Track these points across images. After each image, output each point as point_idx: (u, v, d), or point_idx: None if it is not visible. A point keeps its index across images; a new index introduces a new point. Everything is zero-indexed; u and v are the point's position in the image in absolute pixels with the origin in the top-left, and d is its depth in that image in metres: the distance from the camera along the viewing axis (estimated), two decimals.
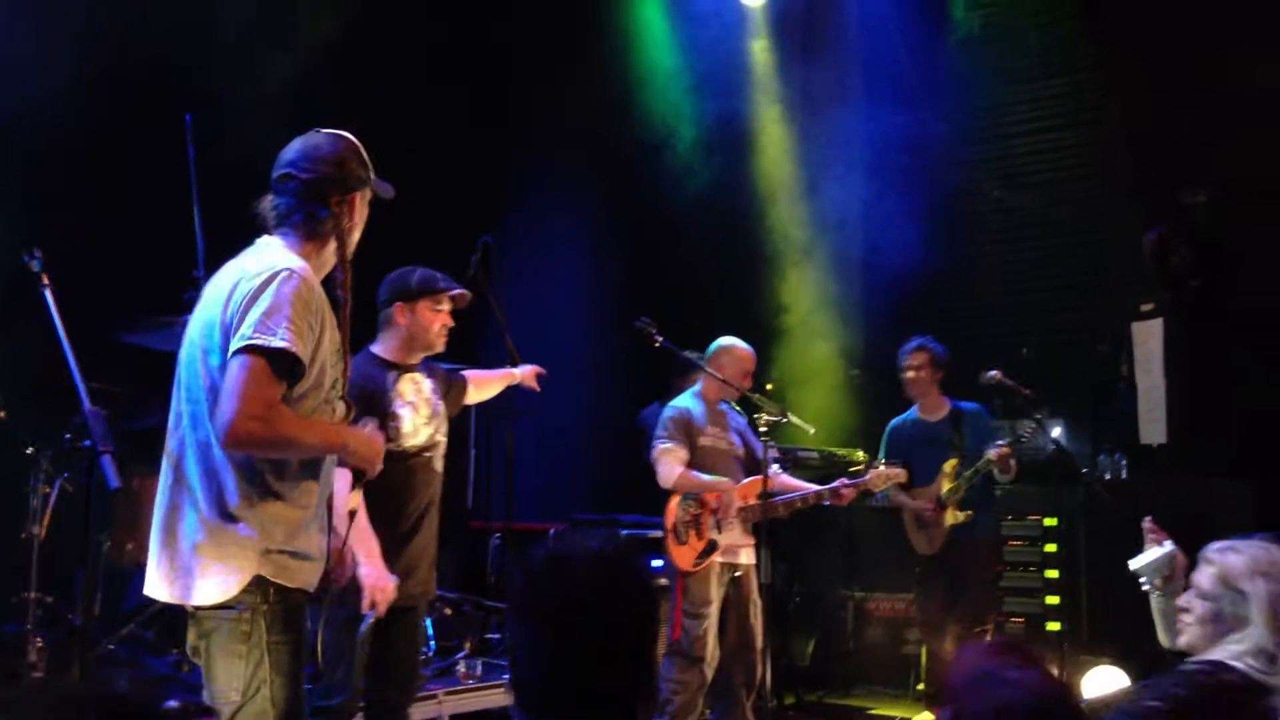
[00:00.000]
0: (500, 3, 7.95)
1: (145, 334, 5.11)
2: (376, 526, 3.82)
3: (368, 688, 3.95)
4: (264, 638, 2.78)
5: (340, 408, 2.98)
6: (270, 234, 2.98)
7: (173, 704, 4.30)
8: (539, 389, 4.70)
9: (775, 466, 5.49)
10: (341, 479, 3.47)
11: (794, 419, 5.26)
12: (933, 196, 7.77)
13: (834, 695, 7.10)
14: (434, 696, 4.56)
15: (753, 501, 5.28)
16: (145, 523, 5.01)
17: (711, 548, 5.19)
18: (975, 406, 6.30)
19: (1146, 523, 3.41)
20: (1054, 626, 6.52)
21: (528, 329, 6.24)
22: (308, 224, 2.95)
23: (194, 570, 2.76)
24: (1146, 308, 6.51)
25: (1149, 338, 6.46)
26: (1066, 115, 7.79)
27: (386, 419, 3.94)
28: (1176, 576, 3.21)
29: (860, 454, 6.81)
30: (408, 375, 4.10)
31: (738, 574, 5.32)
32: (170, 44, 6.09)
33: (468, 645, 5.09)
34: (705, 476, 5.28)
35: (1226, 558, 2.77)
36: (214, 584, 2.76)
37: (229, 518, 2.76)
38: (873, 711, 6.75)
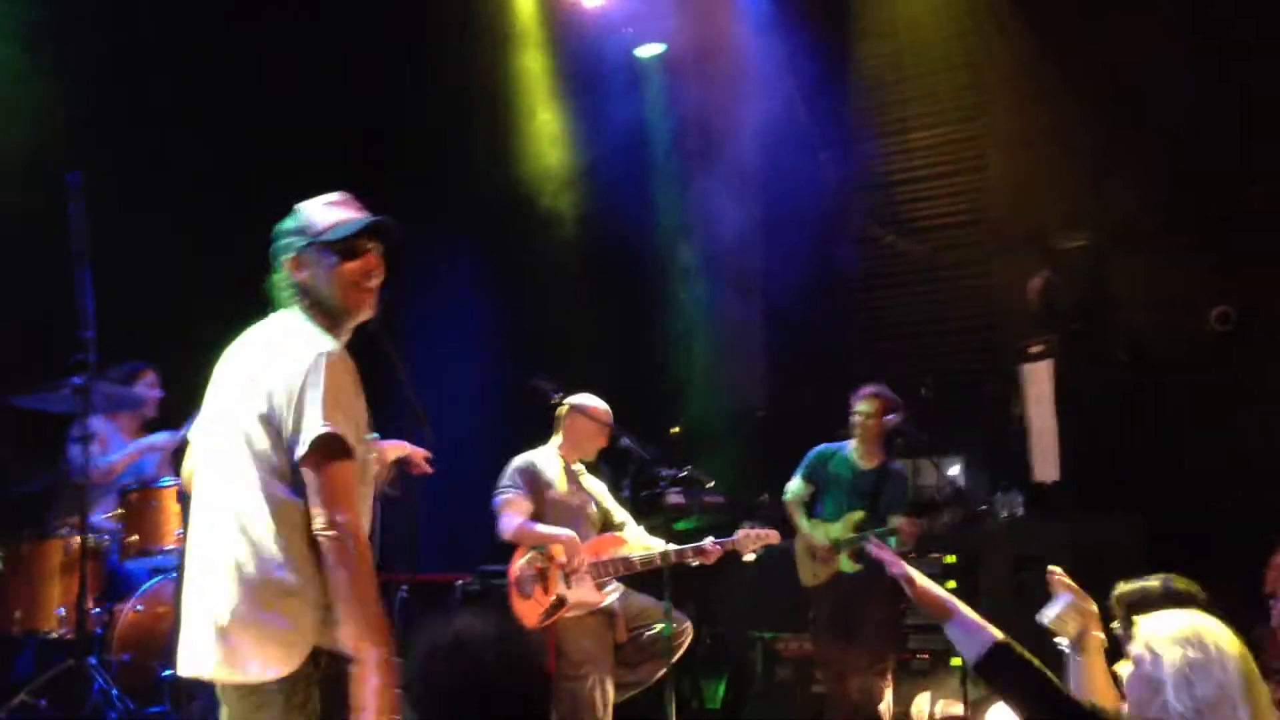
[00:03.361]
0: (375, 55, 7.89)
1: (38, 397, 4.98)
2: None
3: None
4: (317, 707, 2.74)
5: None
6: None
7: None
8: (430, 471, 4.64)
9: (636, 528, 5.47)
10: None
11: (693, 472, 5.25)
12: (829, 242, 7.94)
13: None
14: None
15: (605, 557, 5.23)
16: (34, 589, 4.93)
17: (559, 604, 5.08)
18: (900, 468, 6.38)
19: (1053, 573, 3.32)
20: (957, 662, 6.62)
21: (429, 383, 6.20)
22: (285, 294, 2.95)
23: (249, 643, 2.71)
24: (1035, 349, 6.70)
25: (1039, 378, 6.65)
26: (952, 163, 8.03)
27: None
28: (1088, 626, 3.18)
29: (765, 497, 6.87)
30: None
31: (612, 616, 5.25)
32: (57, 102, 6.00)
33: None
34: (546, 528, 5.20)
35: (1150, 624, 2.81)
36: (276, 658, 2.71)
37: (284, 589, 2.72)
38: None
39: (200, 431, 2.98)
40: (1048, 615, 3.20)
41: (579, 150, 8.02)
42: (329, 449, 2.69)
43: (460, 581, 6.36)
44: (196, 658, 2.81)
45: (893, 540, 6.09)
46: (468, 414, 7.28)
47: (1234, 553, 5.18)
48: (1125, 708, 2.88)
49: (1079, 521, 6.33)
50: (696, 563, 5.33)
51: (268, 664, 2.72)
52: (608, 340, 7.82)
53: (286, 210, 3.01)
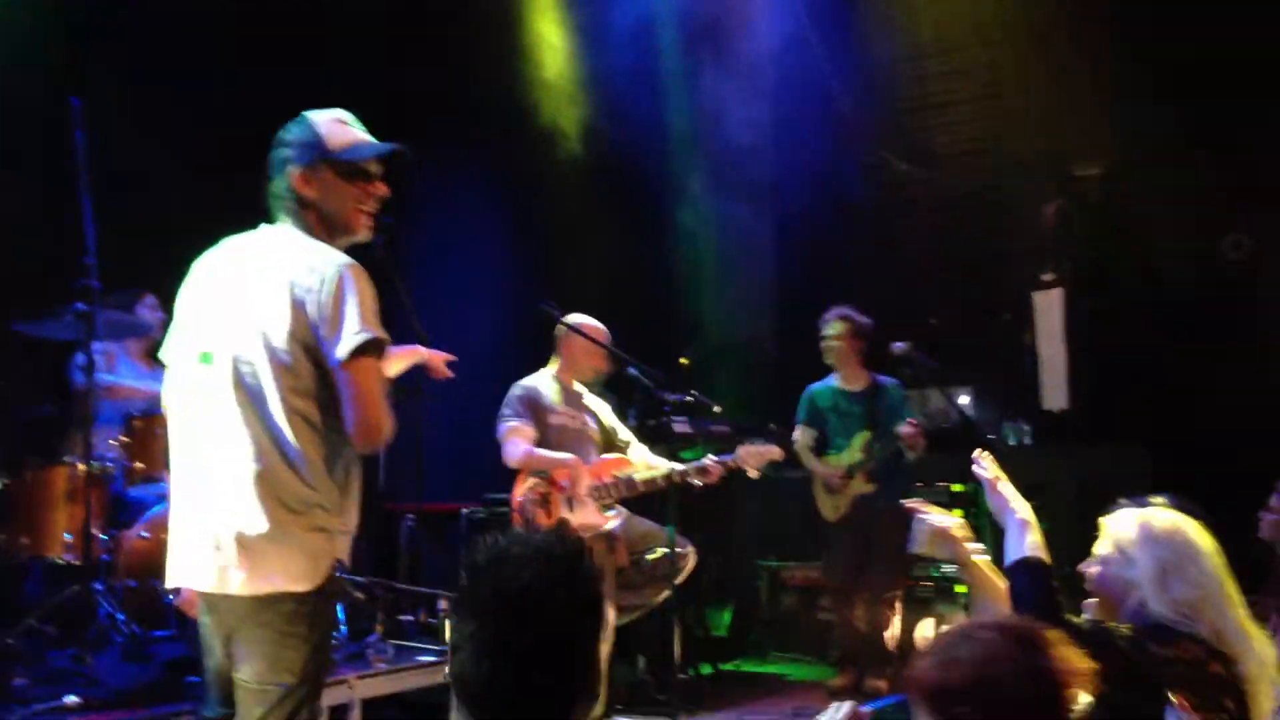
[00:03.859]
0: None
1: (39, 324, 4.97)
2: None
3: None
4: (322, 620, 2.81)
5: None
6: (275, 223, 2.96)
7: (73, 699, 4.21)
8: (451, 375, 4.61)
9: (640, 448, 5.45)
10: None
11: (699, 396, 5.22)
12: (841, 172, 7.84)
13: (751, 664, 7.20)
14: (345, 681, 4.51)
15: (607, 480, 5.23)
16: (41, 516, 4.96)
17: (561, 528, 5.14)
18: (892, 381, 6.39)
19: (909, 505, 3.23)
20: (961, 589, 6.65)
21: (435, 310, 6.16)
22: (278, 209, 2.94)
23: (284, 560, 2.71)
24: (1047, 278, 6.65)
25: (1050, 307, 6.61)
26: (967, 90, 7.90)
27: None
28: (957, 542, 3.08)
29: (772, 426, 6.86)
30: None
31: (613, 540, 5.25)
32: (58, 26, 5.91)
33: (379, 629, 5.03)
34: (551, 454, 5.20)
35: (1119, 523, 2.79)
36: (303, 571, 2.72)
37: (309, 500, 2.74)
38: (789, 678, 6.84)
39: (187, 350, 2.91)
40: (913, 545, 3.15)
41: (585, 66, 7.87)
42: (367, 354, 2.72)
43: (466, 510, 6.39)
44: (209, 578, 2.78)
45: (904, 449, 6.08)
46: (473, 341, 7.24)
47: (1239, 484, 5.15)
48: (1086, 613, 2.86)
49: (1086, 450, 6.32)
50: (699, 482, 5.29)
51: (294, 576, 2.72)
52: (616, 269, 7.76)
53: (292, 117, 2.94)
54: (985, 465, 3.15)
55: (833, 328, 6.27)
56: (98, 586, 4.68)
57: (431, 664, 4.91)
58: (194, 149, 6.23)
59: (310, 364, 2.75)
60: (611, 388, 6.29)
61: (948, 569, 6.89)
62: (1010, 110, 7.60)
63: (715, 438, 6.56)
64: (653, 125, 7.98)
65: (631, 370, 5.53)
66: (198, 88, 6.38)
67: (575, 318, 5.41)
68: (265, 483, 2.72)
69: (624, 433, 5.58)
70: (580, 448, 5.30)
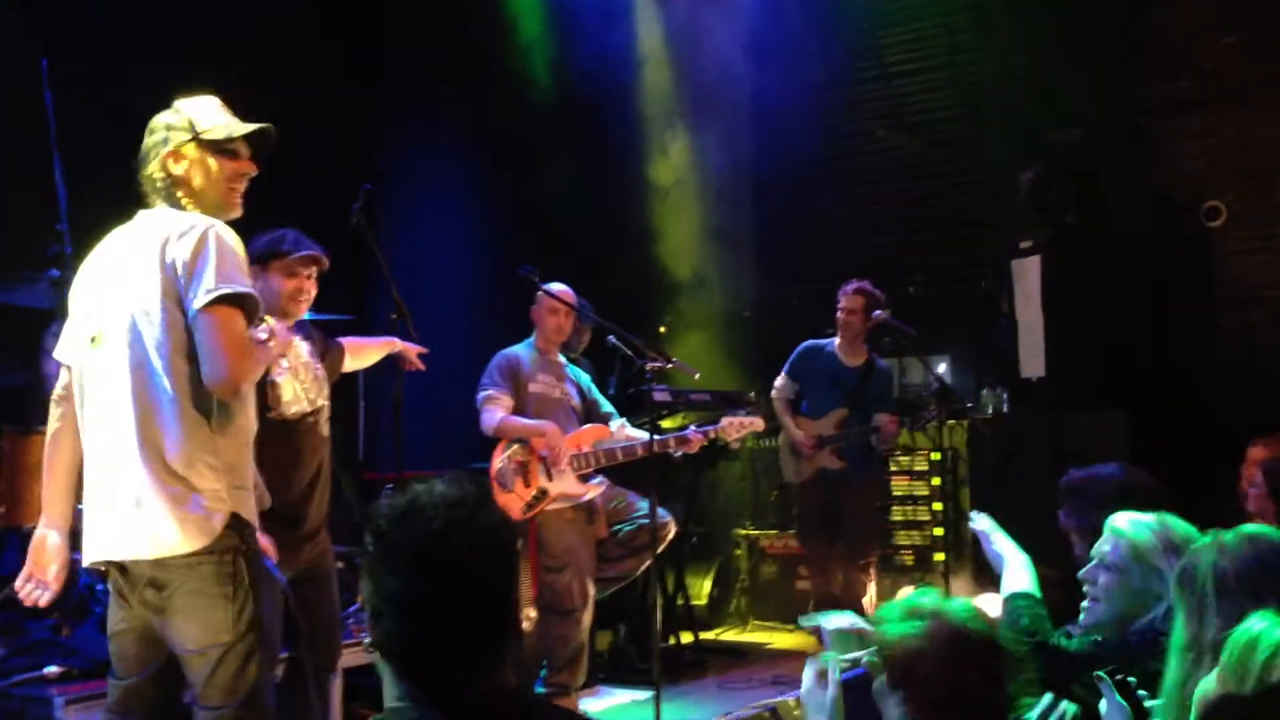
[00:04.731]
0: None
1: (10, 290, 4.90)
2: (270, 495, 3.74)
3: (290, 652, 3.88)
4: (245, 576, 2.88)
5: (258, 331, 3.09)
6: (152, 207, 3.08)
7: (53, 669, 4.19)
8: (421, 368, 4.59)
9: (620, 420, 5.45)
10: None
11: (678, 362, 5.19)
12: (817, 138, 7.82)
13: (732, 632, 7.24)
14: None
15: (587, 449, 5.22)
16: (17, 485, 4.90)
17: (541, 496, 5.10)
18: (886, 366, 6.42)
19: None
20: (940, 557, 6.71)
21: (414, 277, 6.14)
22: (155, 192, 3.06)
23: (166, 519, 2.81)
24: (1025, 245, 6.66)
25: (1028, 274, 6.61)
26: (942, 56, 7.87)
27: (263, 386, 3.83)
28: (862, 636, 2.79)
29: (751, 394, 6.87)
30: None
31: (592, 512, 5.26)
32: None
33: (359, 598, 5.02)
34: (528, 421, 5.18)
35: (1137, 532, 2.76)
36: (197, 527, 2.82)
37: (192, 463, 2.85)
38: (769, 647, 6.89)
39: (80, 340, 3.03)
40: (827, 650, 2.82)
41: (569, 53, 7.80)
42: (224, 304, 2.84)
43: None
44: (109, 546, 2.90)
45: (874, 439, 6.15)
46: (453, 308, 7.22)
47: (1215, 449, 5.20)
48: (1085, 617, 2.86)
49: (1063, 417, 6.35)
50: (679, 452, 5.32)
51: (188, 536, 2.82)
52: (596, 237, 7.73)
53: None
54: (981, 522, 3.19)
55: (850, 300, 6.25)
56: (75, 556, 4.63)
57: None
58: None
59: (186, 322, 2.88)
60: (591, 356, 6.28)
61: (924, 537, 6.96)
62: (986, 76, 7.59)
63: (695, 405, 6.56)
64: (629, 92, 7.93)
65: (610, 338, 5.53)
66: (167, 48, 6.31)
67: (550, 286, 5.37)
68: (151, 446, 2.84)
69: (605, 405, 5.57)
70: (560, 417, 5.29)
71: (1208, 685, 1.94)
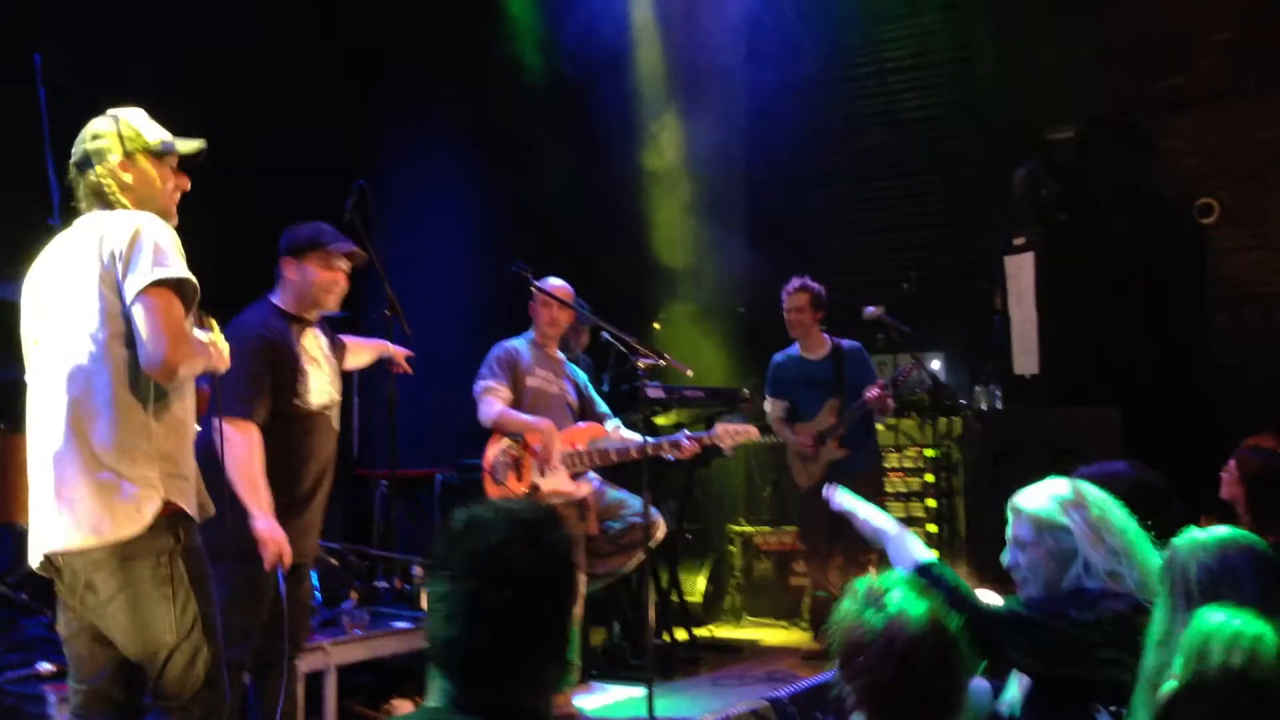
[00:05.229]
0: None
1: (6, 285, 4.88)
2: (279, 485, 3.77)
3: (260, 640, 3.90)
4: (185, 575, 2.90)
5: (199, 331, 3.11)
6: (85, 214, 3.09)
7: (46, 666, 4.19)
8: (410, 371, 4.61)
9: (615, 421, 5.46)
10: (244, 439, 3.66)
11: (670, 359, 5.18)
12: (811, 134, 7.82)
13: (725, 629, 7.24)
14: (320, 647, 4.50)
15: (581, 448, 5.22)
16: (9, 482, 4.88)
17: (533, 492, 5.07)
18: (854, 345, 6.43)
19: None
20: (936, 554, 6.69)
21: (408, 273, 6.13)
22: (93, 196, 3.07)
23: (94, 507, 2.82)
24: (1018, 242, 6.67)
25: (1021, 271, 6.62)
26: (936, 53, 7.87)
27: (294, 374, 3.87)
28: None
29: (745, 391, 6.88)
30: (309, 330, 4.02)
31: (584, 509, 5.26)
32: None
33: (354, 595, 5.01)
34: (525, 416, 5.17)
35: (1034, 503, 2.87)
36: (127, 514, 2.84)
37: (125, 449, 2.86)
38: (764, 643, 6.89)
39: (28, 345, 3.07)
40: None
41: (562, 44, 7.79)
42: (160, 288, 2.86)
43: (440, 475, 6.37)
44: (43, 539, 2.92)
45: (873, 412, 6.15)
46: (448, 304, 7.22)
47: (1207, 448, 5.21)
48: (1023, 596, 2.90)
49: (1056, 415, 6.37)
50: (672, 456, 5.31)
51: (116, 524, 2.84)
52: (592, 234, 7.73)
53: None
54: (840, 499, 3.37)
55: (793, 300, 6.33)
56: None
57: (406, 630, 4.90)
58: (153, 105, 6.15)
59: (123, 311, 2.90)
60: (585, 353, 6.28)
61: (917, 535, 6.95)
62: (980, 73, 7.60)
63: (689, 401, 6.57)
64: (623, 86, 7.92)
65: (604, 335, 5.52)
66: (164, 46, 6.30)
67: (541, 281, 5.36)
68: (81, 436, 2.87)
69: (602, 405, 5.56)
70: (556, 413, 5.28)
71: (1170, 684, 2.03)
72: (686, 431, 5.34)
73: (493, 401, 5.16)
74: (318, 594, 5.01)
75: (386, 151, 7.86)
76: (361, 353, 4.49)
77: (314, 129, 7.17)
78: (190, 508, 2.99)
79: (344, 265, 4.02)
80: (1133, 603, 2.67)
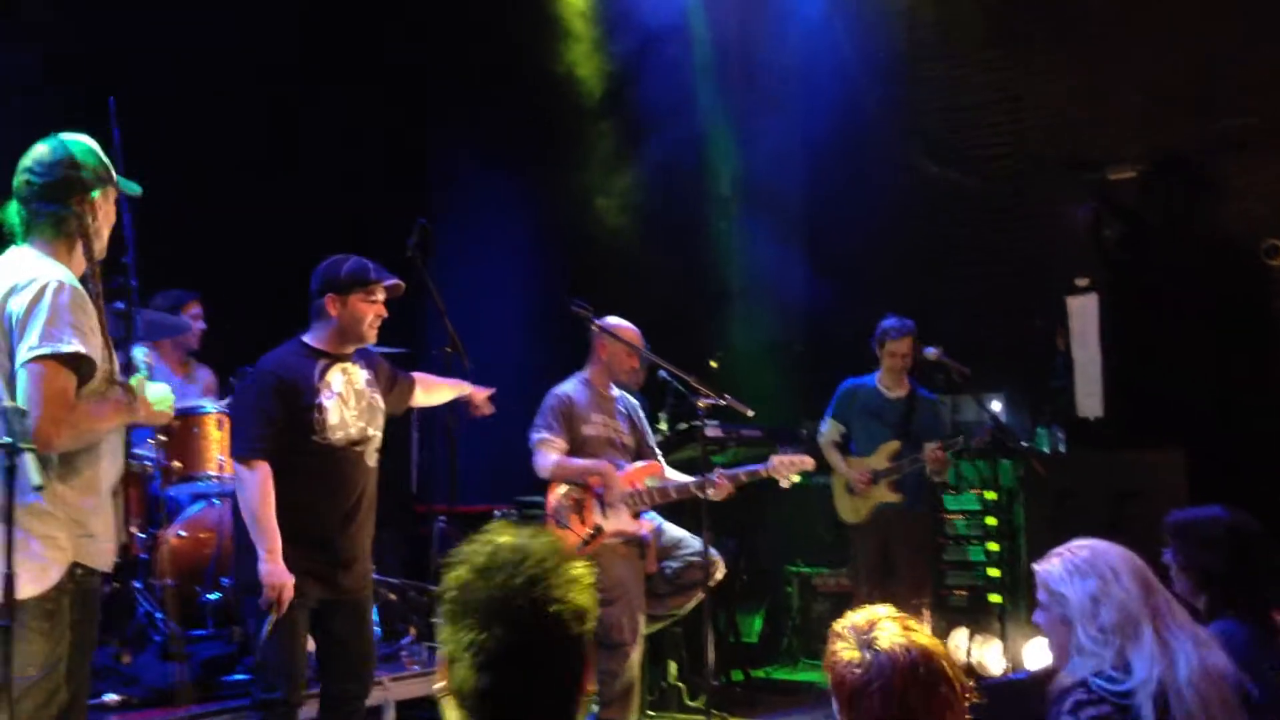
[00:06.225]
0: None
1: None
2: (304, 521, 3.82)
3: (324, 681, 3.94)
4: (67, 616, 2.93)
5: (118, 391, 3.08)
6: (20, 244, 3.07)
7: (113, 697, 4.25)
8: (489, 413, 4.64)
9: (661, 460, 5.43)
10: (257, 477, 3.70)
11: (731, 401, 5.16)
12: (872, 173, 7.81)
13: (782, 671, 7.18)
14: (380, 683, 4.53)
15: (640, 486, 5.21)
16: None
17: (597, 533, 5.05)
18: (931, 396, 6.38)
19: None
20: (995, 599, 6.61)
21: (467, 309, 6.19)
22: (54, 228, 3.04)
23: (17, 564, 2.79)
24: (1081, 283, 6.61)
25: (1084, 312, 6.55)
26: (998, 91, 7.84)
27: (309, 410, 3.91)
28: None
29: (804, 430, 6.85)
30: (338, 365, 4.04)
31: (643, 547, 5.24)
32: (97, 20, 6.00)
33: (412, 631, 5.06)
34: (582, 462, 5.16)
35: (1045, 564, 2.74)
36: (32, 575, 2.85)
37: (36, 513, 2.88)
38: (821, 686, 6.81)
39: None
40: None
41: (619, 71, 7.87)
42: (46, 361, 2.85)
43: (499, 512, 6.39)
44: None
45: (926, 469, 6.09)
46: (506, 341, 7.27)
47: (1274, 488, 5.11)
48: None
49: (1121, 457, 6.27)
50: (720, 496, 5.18)
51: (24, 582, 2.83)
52: (648, 271, 7.76)
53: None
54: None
55: (900, 343, 6.21)
56: (136, 585, 4.72)
57: None
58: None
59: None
60: (643, 389, 6.29)
61: (978, 578, 6.85)
62: (1041, 112, 7.56)
63: (747, 441, 6.55)
64: (684, 125, 7.97)
65: (663, 373, 5.52)
66: (226, 85, 6.46)
67: (607, 320, 5.36)
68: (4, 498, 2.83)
69: (650, 439, 5.56)
70: (612, 455, 5.28)
71: None
72: (746, 466, 5.32)
73: (546, 453, 5.15)
74: (377, 629, 5.06)
75: (441, 185, 7.96)
76: (440, 391, 4.53)
77: (368, 163, 7.31)
78: (100, 564, 3.03)
79: (381, 297, 4.06)
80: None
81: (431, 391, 4.47)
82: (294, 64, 7.04)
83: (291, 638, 3.78)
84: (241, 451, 3.83)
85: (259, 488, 3.77)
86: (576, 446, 5.22)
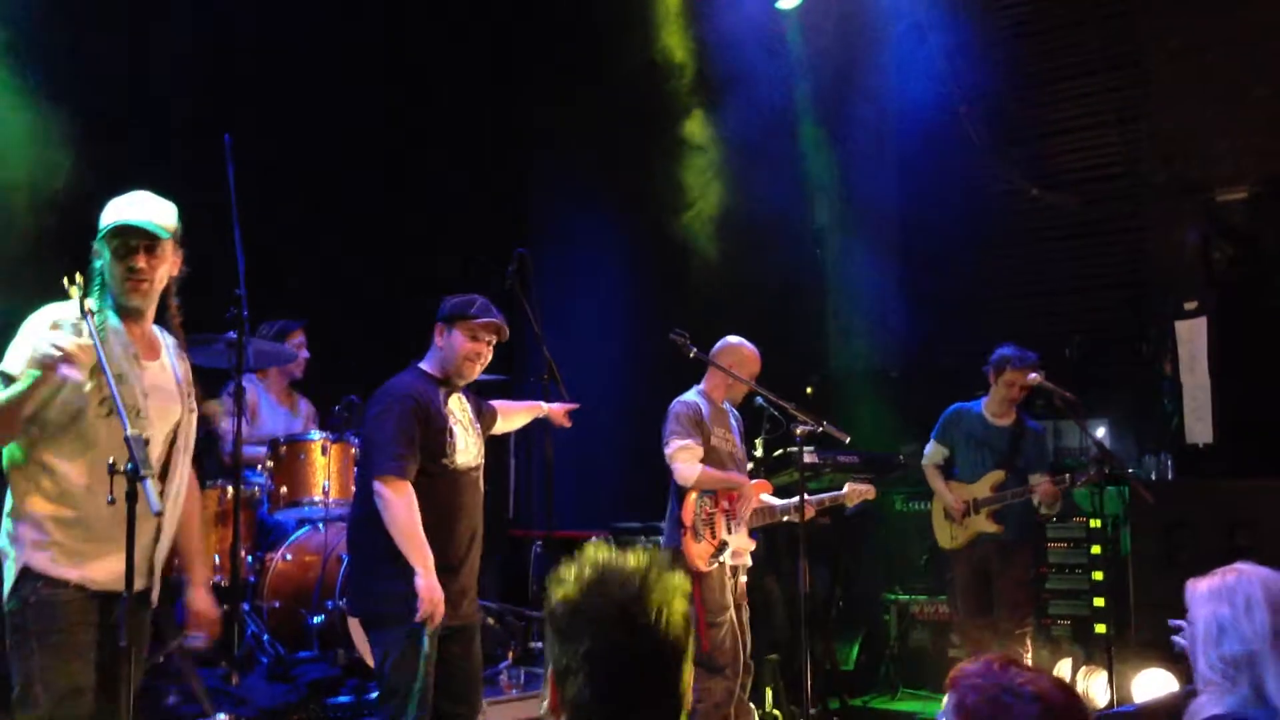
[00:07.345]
0: (516, 13, 7.98)
1: (191, 351, 5.16)
2: (435, 547, 3.87)
3: (436, 703, 3.99)
4: (29, 629, 3.02)
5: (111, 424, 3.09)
6: None
7: (221, 717, 4.35)
8: (569, 425, 4.69)
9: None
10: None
11: (828, 427, 5.14)
12: (972, 196, 7.72)
13: (879, 700, 7.08)
14: None
15: (759, 504, 5.23)
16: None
17: (723, 548, 5.08)
18: (1039, 427, 6.27)
19: None
20: (1101, 629, 6.44)
21: (565, 338, 6.26)
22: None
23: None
24: (1190, 306, 6.43)
25: (1193, 336, 6.37)
26: (1105, 113, 7.69)
27: (442, 434, 3.99)
28: None
29: (900, 456, 6.77)
30: (455, 394, 4.14)
31: (740, 577, 5.26)
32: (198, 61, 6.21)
33: (510, 655, 5.10)
34: (725, 473, 5.18)
35: (1201, 582, 2.67)
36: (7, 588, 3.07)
37: (10, 516, 3.10)
38: (920, 716, 6.71)
39: None
40: None
41: (715, 101, 7.90)
42: None
43: (594, 537, 6.43)
44: None
45: (1036, 501, 5.97)
46: (601, 368, 7.32)
47: None
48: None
49: (1232, 485, 6.08)
50: (803, 519, 5.18)
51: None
52: (744, 297, 7.76)
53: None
54: None
55: (1023, 374, 6.06)
56: (245, 607, 4.84)
57: None
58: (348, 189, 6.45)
59: None
60: (740, 413, 6.29)
61: (1083, 607, 6.69)
62: (1149, 133, 7.40)
63: (843, 467, 6.50)
64: (781, 153, 7.96)
65: (759, 399, 5.51)
66: (339, 126, 6.62)
67: (731, 338, 5.41)
68: None
69: (741, 453, 5.57)
70: (730, 469, 5.30)
71: None
72: (824, 494, 5.33)
73: (691, 460, 5.13)
74: None
75: (540, 215, 8.05)
76: (516, 416, 4.59)
77: (470, 194, 7.43)
78: (54, 572, 3.07)
79: (489, 338, 4.11)
80: None
81: (509, 418, 4.53)
82: (401, 104, 7.21)
83: (426, 663, 3.81)
84: (388, 471, 3.82)
85: (410, 507, 3.81)
86: (705, 456, 5.22)
